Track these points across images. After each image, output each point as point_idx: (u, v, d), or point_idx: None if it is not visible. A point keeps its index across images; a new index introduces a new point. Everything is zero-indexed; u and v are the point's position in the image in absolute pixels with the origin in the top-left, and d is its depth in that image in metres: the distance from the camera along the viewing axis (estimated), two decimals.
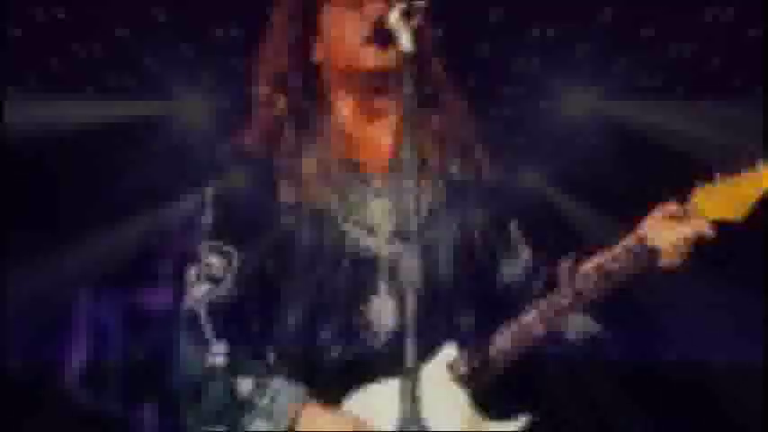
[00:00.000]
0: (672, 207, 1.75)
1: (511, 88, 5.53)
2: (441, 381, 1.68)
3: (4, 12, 4.49)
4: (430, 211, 1.77)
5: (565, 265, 1.79)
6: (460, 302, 1.77)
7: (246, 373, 1.63)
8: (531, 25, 4.97)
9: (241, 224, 1.74)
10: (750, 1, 4.68)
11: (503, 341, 1.70)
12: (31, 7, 4.57)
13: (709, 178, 1.73)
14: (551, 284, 1.78)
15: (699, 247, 1.72)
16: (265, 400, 1.59)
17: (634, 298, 1.76)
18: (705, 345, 5.70)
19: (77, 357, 5.60)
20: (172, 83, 5.32)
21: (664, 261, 1.72)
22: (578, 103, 5.62)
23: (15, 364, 5.34)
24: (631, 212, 1.81)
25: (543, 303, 1.72)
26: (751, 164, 1.70)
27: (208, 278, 1.71)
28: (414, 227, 1.45)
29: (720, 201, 1.70)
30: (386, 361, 1.63)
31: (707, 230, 1.70)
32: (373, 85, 1.78)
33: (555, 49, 5.10)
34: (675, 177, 1.77)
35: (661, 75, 5.44)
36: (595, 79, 5.41)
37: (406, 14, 1.55)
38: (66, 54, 4.95)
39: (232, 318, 1.70)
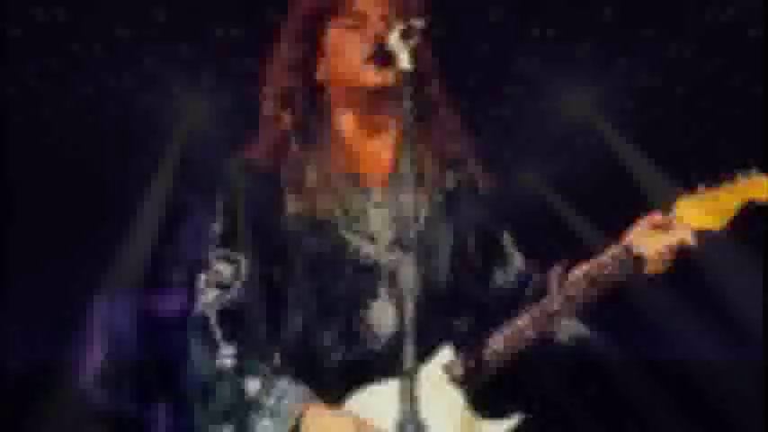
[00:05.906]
0: (656, 217, 1.82)
1: (511, 88, 5.53)
2: (438, 381, 1.74)
3: (4, 12, 4.49)
4: (427, 221, 1.85)
5: (555, 272, 1.86)
6: (457, 307, 1.84)
7: (254, 374, 1.70)
8: (531, 25, 4.97)
9: (249, 233, 1.81)
10: (750, 1, 4.69)
11: (497, 344, 1.77)
12: (32, 7, 4.56)
13: (692, 189, 1.81)
14: (543, 290, 1.86)
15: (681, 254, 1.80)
16: (272, 400, 1.66)
17: (631, 298, 1.82)
18: (705, 345, 5.72)
19: (93, 358, 5.69)
20: (172, 83, 5.32)
21: (649, 268, 1.80)
22: (578, 103, 5.63)
23: (30, 364, 5.42)
24: (629, 213, 1.88)
25: (535, 308, 1.79)
26: (731, 176, 1.78)
27: (217, 284, 1.79)
28: (412, 235, 1.52)
29: (702, 211, 1.77)
30: (385, 362, 1.70)
31: (689, 239, 1.78)
32: (374, 101, 1.86)
33: (555, 49, 5.10)
34: (674, 178, 1.83)
35: (661, 75, 5.44)
36: (595, 79, 5.42)
37: (406, 35, 1.62)
38: (66, 54, 4.95)
39: (240, 322, 1.77)
